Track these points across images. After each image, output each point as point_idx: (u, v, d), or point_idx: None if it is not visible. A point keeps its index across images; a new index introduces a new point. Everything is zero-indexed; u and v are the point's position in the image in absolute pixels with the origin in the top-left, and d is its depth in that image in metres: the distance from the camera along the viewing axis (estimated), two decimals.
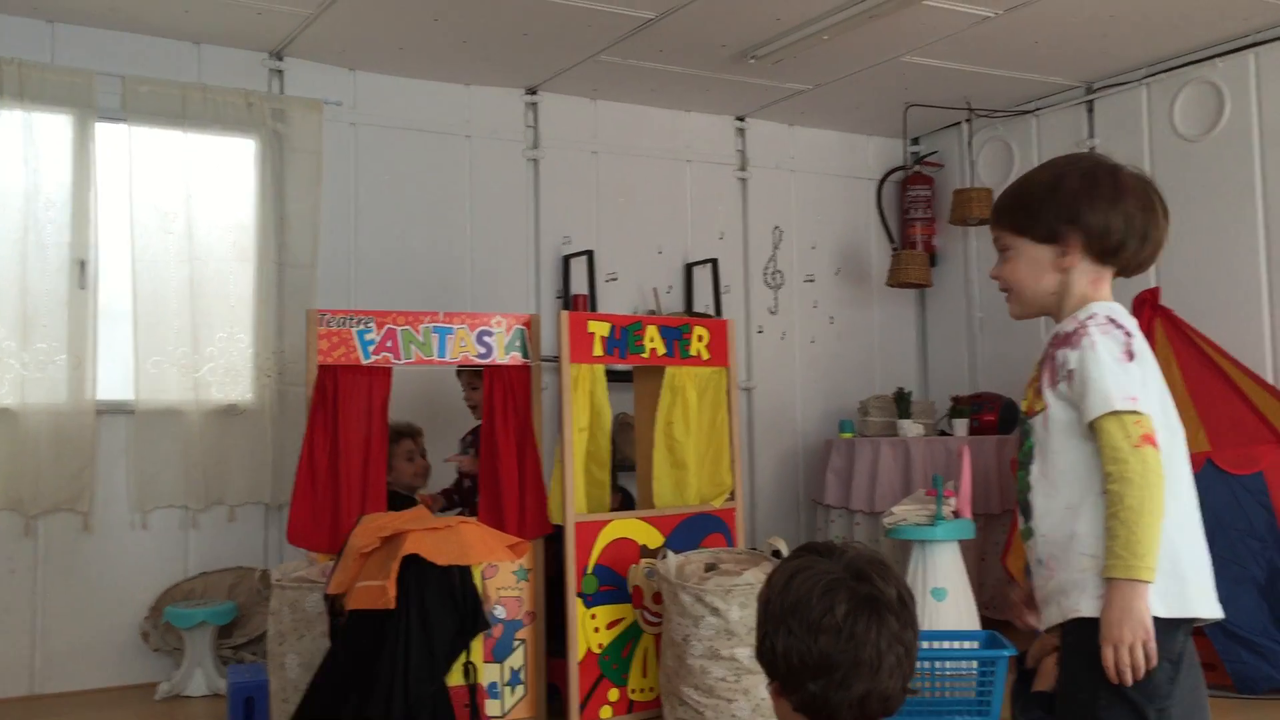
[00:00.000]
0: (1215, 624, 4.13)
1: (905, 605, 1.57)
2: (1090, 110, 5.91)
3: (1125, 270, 2.04)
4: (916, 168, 6.64)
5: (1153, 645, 1.82)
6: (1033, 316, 2.14)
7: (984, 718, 4.02)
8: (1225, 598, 4.41)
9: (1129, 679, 1.83)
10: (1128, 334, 1.94)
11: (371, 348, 4.08)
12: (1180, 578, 1.89)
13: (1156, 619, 1.84)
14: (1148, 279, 5.45)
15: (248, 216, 5.10)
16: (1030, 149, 6.20)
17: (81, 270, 4.75)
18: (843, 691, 1.51)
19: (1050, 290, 2.04)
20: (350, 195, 5.38)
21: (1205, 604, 1.93)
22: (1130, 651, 1.82)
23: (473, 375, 4.75)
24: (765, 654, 1.58)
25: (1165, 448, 1.90)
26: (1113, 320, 1.96)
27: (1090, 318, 1.96)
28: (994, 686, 4.01)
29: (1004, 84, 5.83)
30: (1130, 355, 1.92)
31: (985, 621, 5.01)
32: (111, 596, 4.80)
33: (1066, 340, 1.97)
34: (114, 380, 4.85)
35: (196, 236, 4.96)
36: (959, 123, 6.43)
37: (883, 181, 6.73)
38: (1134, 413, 1.87)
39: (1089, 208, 1.98)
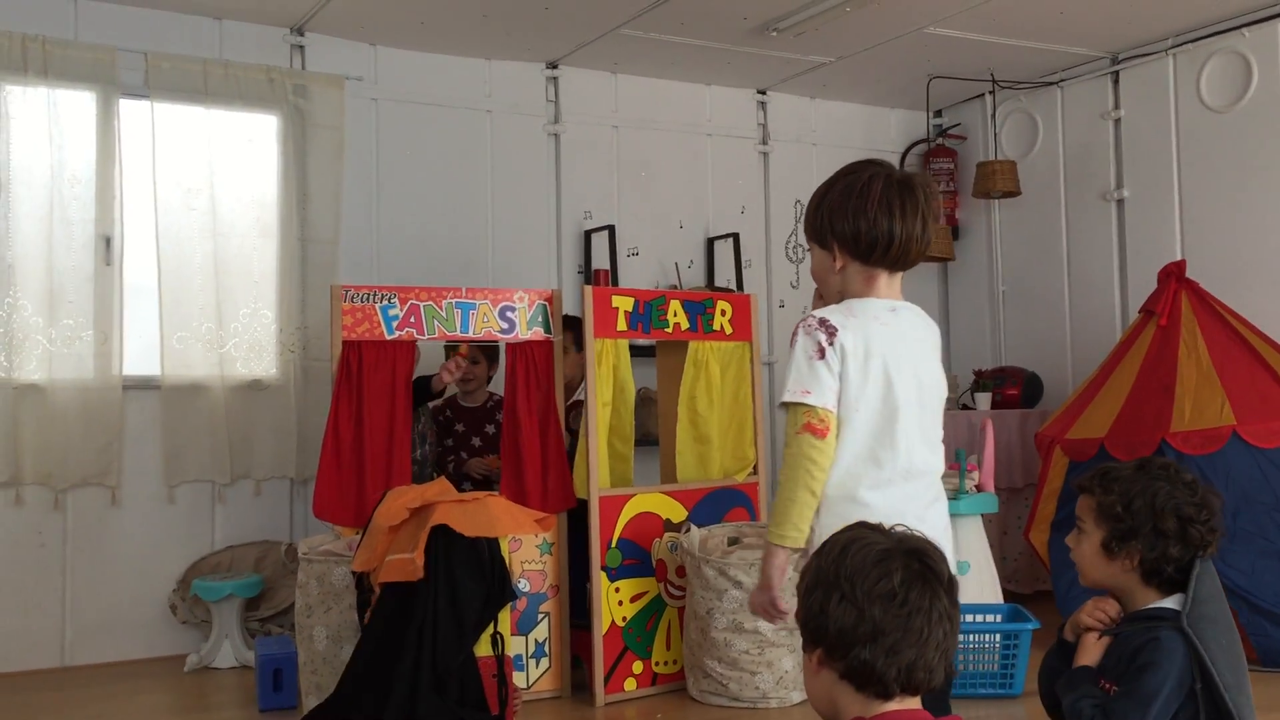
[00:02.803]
0: (1240, 597, 4.13)
1: (954, 585, 1.59)
2: (1115, 81, 5.86)
3: (893, 266, 2.27)
4: (939, 140, 6.60)
5: (775, 595, 2.19)
6: None
7: (1007, 689, 4.03)
8: (1250, 571, 4.40)
9: (763, 619, 2.26)
10: (830, 331, 2.21)
11: (395, 323, 4.09)
12: None
13: None
14: (1172, 252, 5.42)
15: (270, 192, 5.11)
16: (1054, 121, 6.15)
17: (107, 246, 4.78)
18: (891, 658, 1.52)
19: (837, 289, 2.32)
20: (372, 171, 5.39)
21: None
22: (755, 599, 2.24)
23: (476, 350, 4.75)
24: (812, 620, 1.58)
25: (868, 433, 2.20)
26: (824, 321, 2.22)
27: (803, 320, 2.26)
28: (1017, 659, 4.02)
29: (1028, 55, 5.78)
30: (821, 353, 2.20)
31: (1008, 595, 5.02)
32: (139, 570, 4.85)
33: (791, 339, 2.27)
34: (140, 356, 4.88)
35: (220, 212, 4.98)
36: (982, 95, 6.38)
37: (905, 154, 6.69)
38: (802, 404, 2.19)
39: (840, 217, 2.25)
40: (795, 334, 2.26)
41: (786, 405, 2.22)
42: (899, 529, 1.65)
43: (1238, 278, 5.16)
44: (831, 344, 2.20)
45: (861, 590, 1.53)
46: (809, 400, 2.18)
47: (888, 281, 2.30)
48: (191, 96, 4.93)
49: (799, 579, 1.67)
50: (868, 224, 2.22)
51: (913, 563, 1.56)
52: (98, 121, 4.78)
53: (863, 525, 1.68)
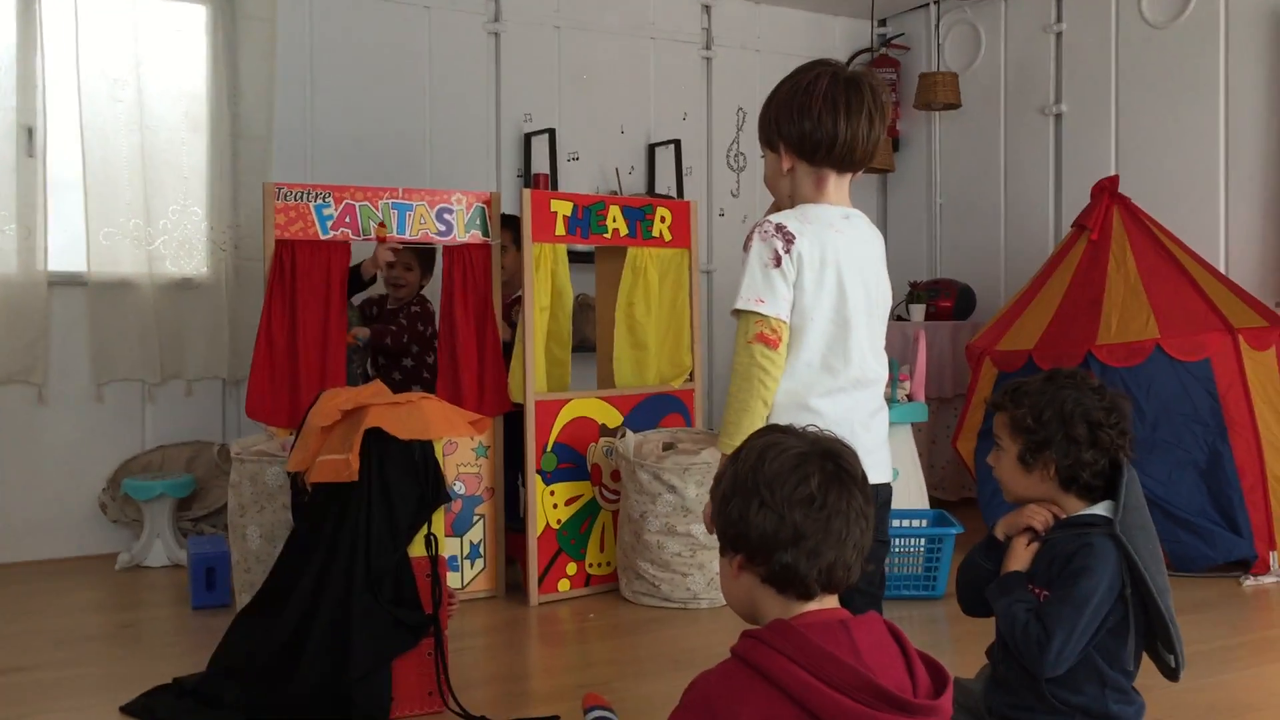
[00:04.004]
0: (1157, 505, 4.28)
1: (866, 483, 1.62)
2: None
3: (840, 166, 2.24)
4: (883, 50, 6.57)
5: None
6: None
7: (930, 592, 4.16)
8: (1167, 480, 4.54)
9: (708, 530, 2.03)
10: (788, 239, 2.16)
11: (330, 223, 4.03)
12: None
13: None
14: (1107, 167, 5.48)
15: (200, 86, 4.97)
16: (997, 33, 6.15)
17: (29, 137, 4.62)
18: (813, 560, 1.55)
19: (786, 193, 2.30)
20: (305, 66, 5.25)
21: None
22: (708, 511, 2.00)
23: (410, 257, 4.66)
24: (731, 526, 1.60)
25: (822, 342, 2.19)
26: (781, 227, 2.18)
27: (759, 225, 2.21)
28: (940, 563, 4.14)
29: None
30: (778, 261, 2.15)
31: (934, 501, 5.14)
32: (69, 468, 4.80)
33: (744, 244, 2.23)
34: (65, 251, 4.76)
35: (147, 105, 4.83)
36: (927, 4, 6.35)
37: (849, 64, 6.64)
38: (755, 313, 2.15)
39: (785, 118, 2.22)
40: (750, 238, 2.20)
41: (738, 313, 2.18)
42: (811, 429, 1.66)
43: (1169, 194, 5.23)
44: (788, 252, 2.16)
45: (781, 495, 1.55)
46: (762, 309, 2.15)
47: (836, 183, 2.26)
48: None
49: (713, 484, 1.68)
50: (812, 123, 2.18)
51: (828, 464, 1.58)
52: (18, 6, 4.60)
53: (775, 429, 1.68)
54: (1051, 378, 2.27)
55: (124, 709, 2.97)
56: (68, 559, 4.78)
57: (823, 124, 2.18)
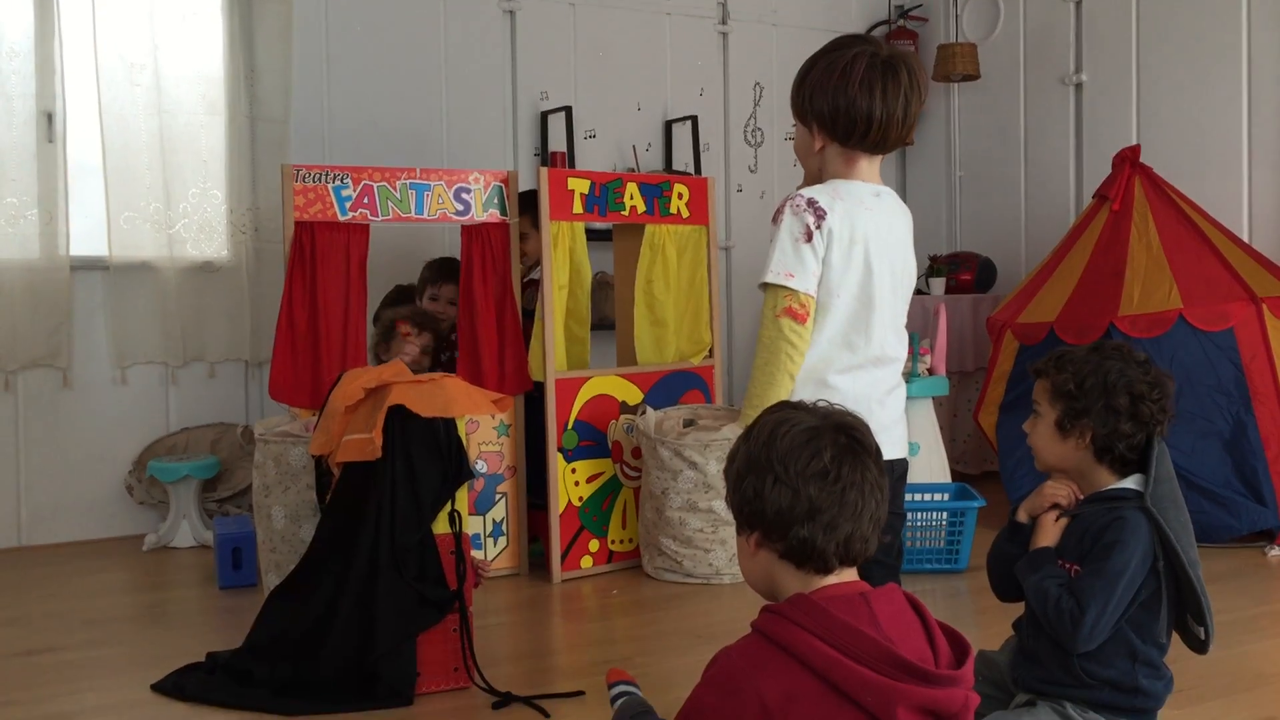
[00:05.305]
0: (1181, 476, 4.26)
1: (880, 455, 1.62)
2: None
3: (873, 149, 2.24)
4: (900, 22, 6.52)
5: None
6: None
7: (952, 565, 4.16)
8: (1191, 451, 4.51)
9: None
10: (820, 214, 2.16)
11: (348, 204, 4.04)
12: None
13: None
14: (1128, 137, 5.44)
15: (216, 68, 4.97)
16: (1016, 3, 6.09)
17: (49, 123, 4.65)
18: (830, 533, 1.55)
19: (816, 168, 2.29)
20: (322, 47, 5.24)
21: None
22: None
23: (454, 290, 4.41)
24: (747, 504, 1.60)
25: (845, 319, 2.19)
26: (813, 202, 2.17)
27: (790, 199, 2.20)
28: (962, 537, 4.14)
29: None
30: (809, 236, 2.15)
31: (956, 475, 5.14)
32: (94, 451, 4.85)
33: (774, 216, 2.23)
34: (87, 236, 4.79)
35: (165, 88, 4.85)
36: None
37: (871, 30, 6.60)
38: (784, 287, 2.15)
39: (820, 95, 2.19)
40: (781, 212, 2.20)
41: (767, 286, 2.19)
42: (822, 404, 1.66)
43: (1191, 163, 5.18)
44: (819, 227, 2.16)
45: (795, 470, 1.55)
46: (791, 284, 2.15)
47: (868, 164, 2.27)
48: None
49: (727, 464, 1.69)
50: (847, 104, 2.17)
51: (841, 437, 1.58)
52: None
53: (786, 405, 1.69)
54: (1098, 348, 2.26)
55: (154, 687, 3.01)
56: (95, 541, 4.83)
57: (857, 107, 2.16)
